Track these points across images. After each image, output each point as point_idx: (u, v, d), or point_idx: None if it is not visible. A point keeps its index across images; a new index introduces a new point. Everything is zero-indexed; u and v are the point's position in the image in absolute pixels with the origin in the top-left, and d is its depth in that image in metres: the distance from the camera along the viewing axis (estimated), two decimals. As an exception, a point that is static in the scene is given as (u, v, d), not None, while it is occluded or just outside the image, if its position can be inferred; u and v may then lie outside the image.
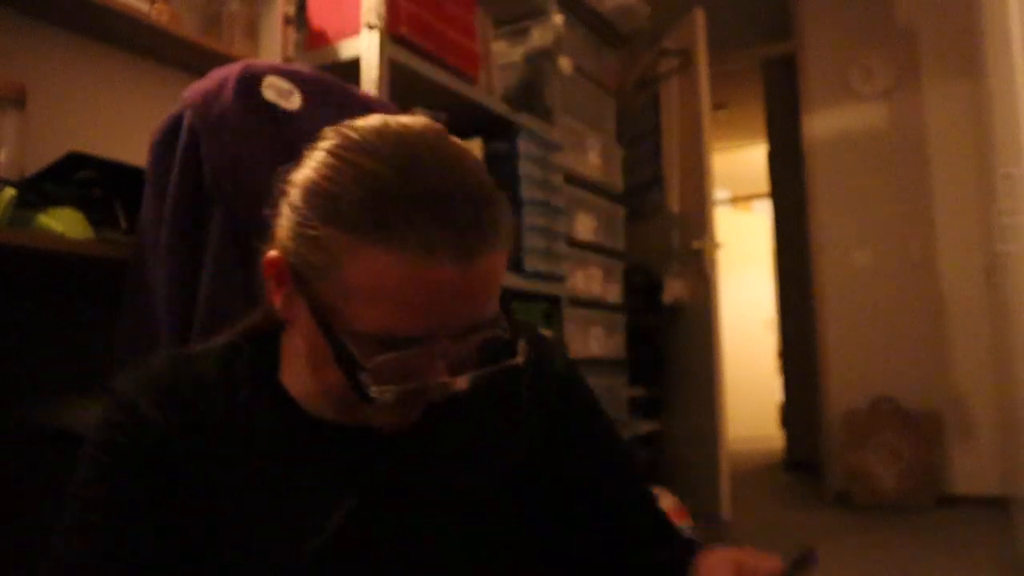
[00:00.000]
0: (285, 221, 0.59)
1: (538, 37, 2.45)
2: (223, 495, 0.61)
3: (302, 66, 1.08)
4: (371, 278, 0.53)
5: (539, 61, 2.44)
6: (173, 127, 0.98)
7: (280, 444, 0.64)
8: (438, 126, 0.60)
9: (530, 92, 2.42)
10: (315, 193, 0.56)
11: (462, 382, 0.58)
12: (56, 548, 0.60)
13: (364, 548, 0.62)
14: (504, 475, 0.70)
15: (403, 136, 0.57)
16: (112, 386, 0.63)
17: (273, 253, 0.60)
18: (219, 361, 0.66)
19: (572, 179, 2.59)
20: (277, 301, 0.61)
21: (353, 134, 0.58)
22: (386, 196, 0.53)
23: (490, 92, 2.11)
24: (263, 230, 0.63)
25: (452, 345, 0.56)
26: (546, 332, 0.81)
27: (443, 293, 0.53)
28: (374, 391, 0.55)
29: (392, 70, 1.70)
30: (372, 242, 0.52)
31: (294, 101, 1.01)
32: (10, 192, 1.02)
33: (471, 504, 0.67)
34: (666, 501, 2.45)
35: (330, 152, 0.57)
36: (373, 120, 0.60)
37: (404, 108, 1.44)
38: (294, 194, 0.58)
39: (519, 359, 0.60)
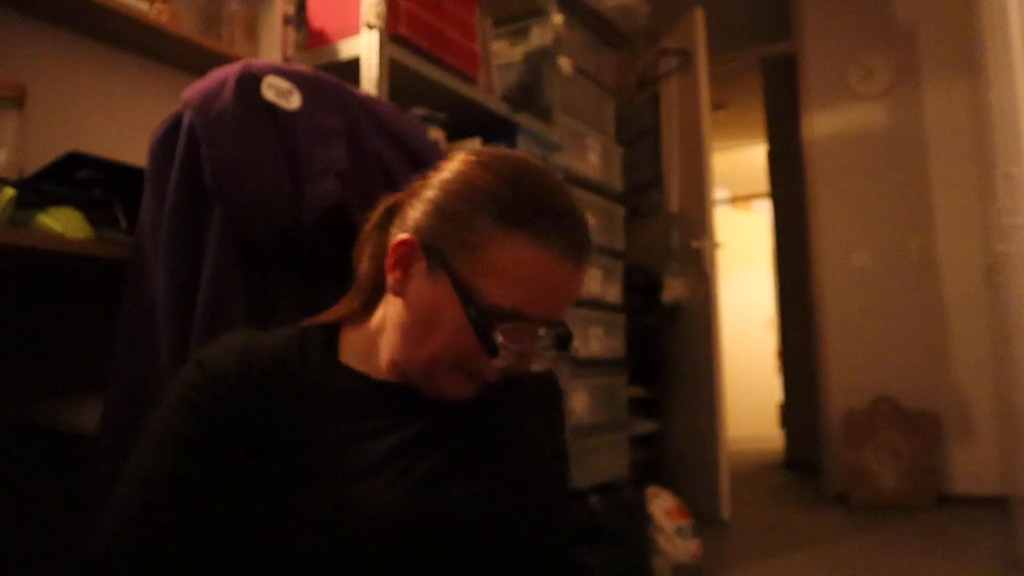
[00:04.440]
0: (425, 210, 0.71)
1: (538, 37, 2.45)
2: (295, 444, 0.68)
3: (302, 66, 1.08)
4: (514, 263, 0.67)
5: (539, 61, 2.44)
6: (173, 127, 0.98)
7: (348, 400, 0.72)
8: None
9: (530, 92, 2.42)
10: (468, 188, 0.69)
11: (548, 361, 0.74)
12: (123, 499, 0.64)
13: (411, 468, 0.69)
14: (514, 448, 0.79)
15: (517, 158, 0.72)
16: (192, 356, 0.70)
17: (405, 236, 0.71)
18: (292, 339, 0.75)
19: (572, 179, 2.59)
20: (393, 277, 0.72)
21: (478, 153, 0.73)
22: (533, 199, 0.68)
23: (490, 92, 2.11)
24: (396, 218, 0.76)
25: (548, 329, 0.71)
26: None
27: (561, 287, 0.69)
28: (501, 345, 0.67)
29: (392, 70, 1.70)
30: (521, 233, 0.67)
31: (294, 101, 1.01)
32: (10, 192, 1.02)
33: (497, 460, 0.75)
34: (666, 501, 2.44)
35: (467, 161, 0.72)
36: (479, 148, 0.75)
37: (404, 108, 1.43)
38: (436, 189, 0.71)
39: (574, 352, 0.75)
